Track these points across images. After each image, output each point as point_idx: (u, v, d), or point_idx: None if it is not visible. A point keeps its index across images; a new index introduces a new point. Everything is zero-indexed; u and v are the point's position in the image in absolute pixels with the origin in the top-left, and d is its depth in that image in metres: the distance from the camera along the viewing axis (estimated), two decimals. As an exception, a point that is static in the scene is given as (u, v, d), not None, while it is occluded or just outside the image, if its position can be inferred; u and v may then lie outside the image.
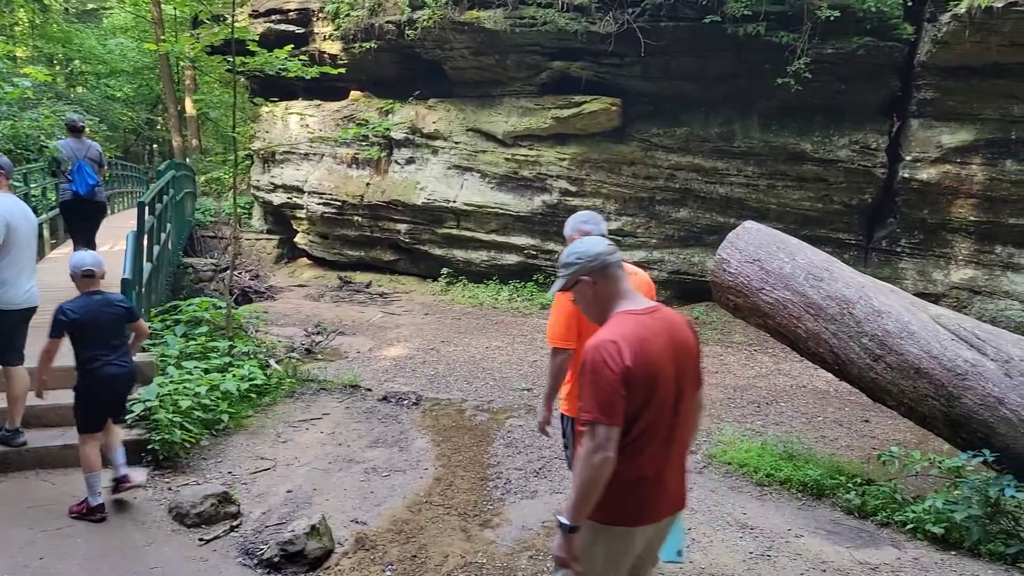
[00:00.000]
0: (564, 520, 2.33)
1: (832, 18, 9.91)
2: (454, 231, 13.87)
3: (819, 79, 10.35)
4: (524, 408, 6.96)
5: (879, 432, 7.00)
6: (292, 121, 15.59)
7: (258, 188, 17.00)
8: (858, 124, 11.11)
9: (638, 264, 12.43)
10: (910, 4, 10.33)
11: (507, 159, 13.07)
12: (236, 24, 8.73)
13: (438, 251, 14.17)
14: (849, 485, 4.88)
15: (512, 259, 13.56)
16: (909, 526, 4.37)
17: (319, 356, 9.07)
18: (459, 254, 13.83)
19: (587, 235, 3.59)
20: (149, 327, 6.80)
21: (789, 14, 10.36)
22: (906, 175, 10.74)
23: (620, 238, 12.62)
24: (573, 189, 12.69)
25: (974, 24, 9.39)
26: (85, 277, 4.44)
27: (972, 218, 10.58)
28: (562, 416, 3.78)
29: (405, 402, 6.90)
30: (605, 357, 2.27)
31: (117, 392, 4.50)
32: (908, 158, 10.73)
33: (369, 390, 7.28)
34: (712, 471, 5.35)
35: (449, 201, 13.56)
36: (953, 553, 4.13)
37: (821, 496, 4.90)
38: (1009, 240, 10.51)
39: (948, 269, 10.92)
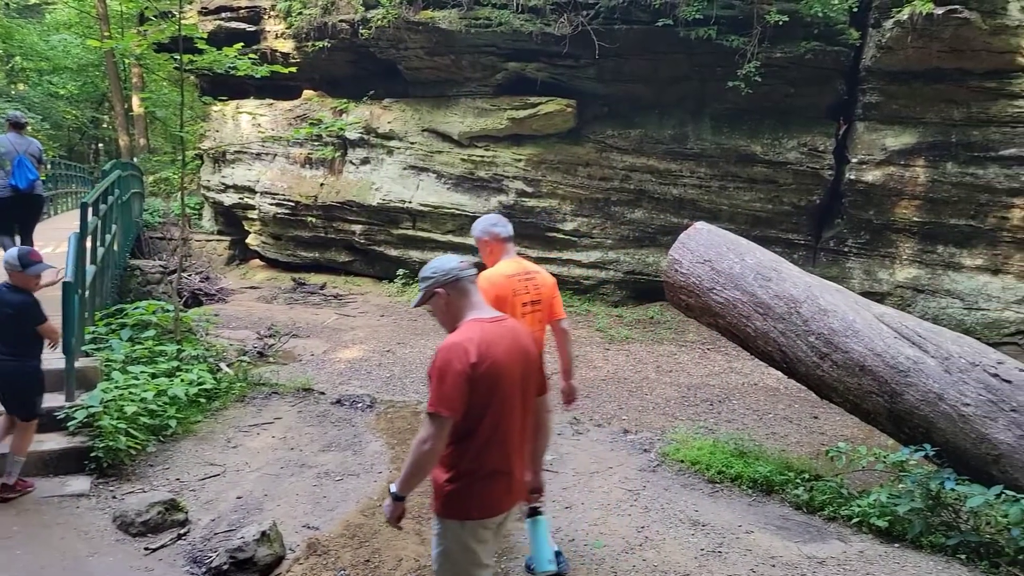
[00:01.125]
0: (394, 489, 2.68)
1: (781, 23, 10.11)
2: (410, 232, 13.79)
3: (769, 82, 10.54)
4: (480, 409, 6.95)
5: (827, 428, 7.17)
6: (243, 120, 15.33)
7: (208, 188, 16.68)
8: (806, 127, 11.36)
9: (594, 265, 12.60)
10: (855, 10, 10.61)
11: (463, 160, 13.05)
12: (184, 21, 8.55)
13: (394, 252, 14.08)
14: (798, 481, 4.98)
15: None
16: (855, 520, 4.47)
17: (272, 359, 8.93)
18: (415, 255, 13.75)
19: (496, 236, 3.97)
20: (93, 331, 6.64)
21: (739, 18, 10.54)
22: (852, 177, 11.01)
23: (576, 239, 12.71)
24: (529, 190, 12.72)
25: (916, 30, 9.67)
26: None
27: (915, 219, 10.90)
28: None
29: (359, 405, 6.82)
30: (452, 357, 2.53)
31: (4, 386, 4.60)
32: (854, 160, 11.00)
33: (323, 393, 7.19)
34: (665, 469, 5.41)
35: (405, 202, 13.48)
36: (896, 545, 4.24)
37: (771, 492, 4.99)
38: (950, 240, 10.86)
39: (893, 268, 11.23)
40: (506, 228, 4.00)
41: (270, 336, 9.93)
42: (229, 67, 7.90)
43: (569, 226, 12.68)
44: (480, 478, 2.61)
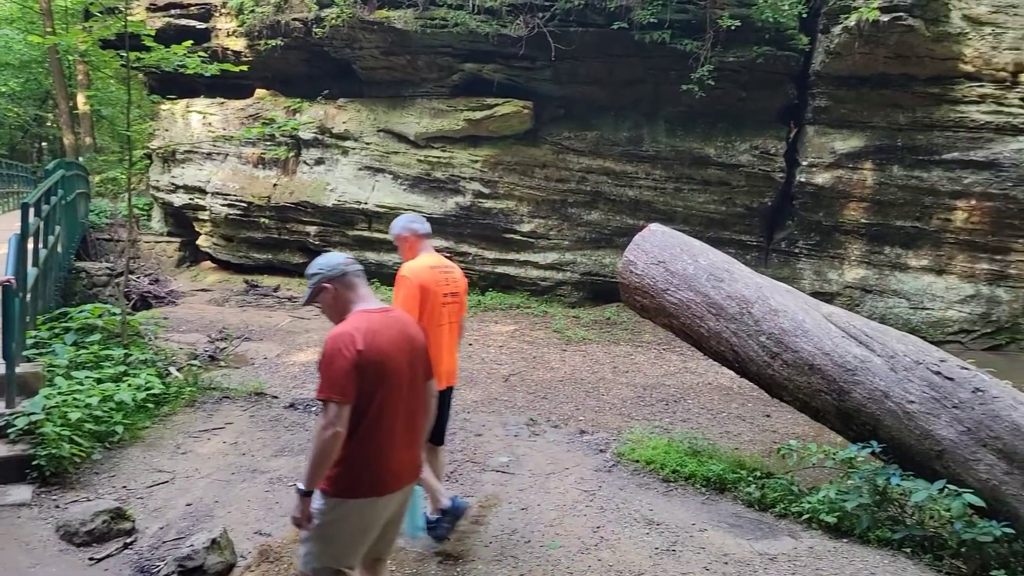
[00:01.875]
0: (300, 485, 2.72)
1: (733, 27, 10.28)
2: (366, 233, 13.67)
3: (722, 86, 10.71)
4: (436, 411, 6.91)
5: (779, 426, 7.29)
6: (194, 119, 15.02)
7: (158, 189, 16.30)
8: (758, 130, 11.57)
9: (551, 266, 12.64)
10: (805, 16, 10.84)
11: (419, 160, 12.98)
12: (132, 17, 8.34)
13: (349, 253, 13.92)
14: (750, 479, 5.05)
15: (425, 261, 13.45)
16: (805, 516, 4.55)
17: (223, 363, 8.75)
18: (371, 256, 13.63)
19: (416, 232, 4.21)
20: (35, 336, 6.42)
21: (693, 22, 10.69)
22: (803, 179, 11.24)
23: (533, 240, 12.73)
24: (486, 191, 12.71)
25: (863, 36, 9.93)
26: None
27: (863, 220, 11.17)
28: None
29: (313, 408, 6.72)
30: (340, 345, 2.67)
31: None
32: (804, 163, 11.23)
33: (275, 397, 7.07)
34: (621, 469, 5.44)
35: (360, 203, 13.35)
36: (845, 541, 4.33)
37: (724, 490, 5.05)
38: (896, 241, 11.15)
39: (842, 269, 11.49)
40: (425, 226, 4.27)
41: (222, 339, 9.74)
42: (178, 65, 7.71)
43: (526, 227, 12.71)
44: (365, 459, 2.75)
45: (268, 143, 13.83)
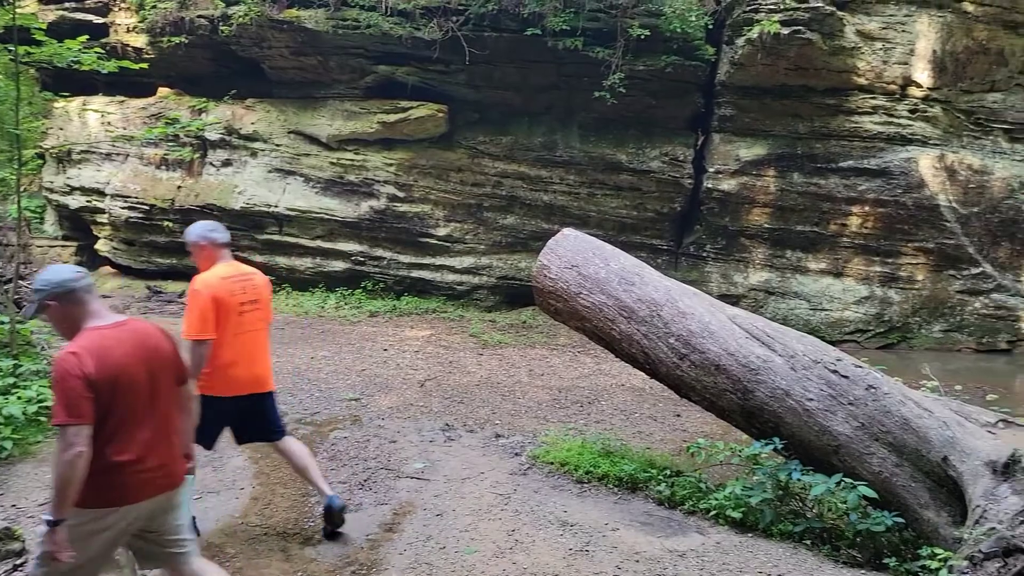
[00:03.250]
0: (48, 517, 2.71)
1: (643, 36, 10.53)
2: (276, 237, 13.32)
3: (632, 94, 10.95)
4: (350, 419, 6.79)
5: (689, 426, 7.49)
6: (91, 118, 14.29)
7: (52, 190, 15.42)
8: (668, 137, 11.89)
9: (467, 270, 12.63)
10: (711, 27, 11.21)
11: (332, 163, 12.75)
12: (21, 10, 7.87)
13: (259, 258, 13.52)
14: (660, 477, 5.18)
15: (339, 266, 13.24)
16: (712, 513, 4.69)
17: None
18: (282, 261, 13.29)
19: (214, 242, 4.29)
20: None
21: (604, 31, 10.89)
22: (710, 185, 11.61)
23: (449, 244, 12.69)
24: (401, 195, 12.60)
25: (765, 48, 10.34)
26: None
27: (766, 225, 11.62)
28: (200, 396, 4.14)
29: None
30: (68, 367, 2.70)
31: None
32: (711, 170, 11.61)
33: (180, 407, 6.79)
34: (535, 472, 5.48)
35: (271, 206, 13.01)
36: (750, 535, 4.49)
37: (636, 489, 5.15)
38: (797, 245, 11.65)
39: (747, 272, 11.92)
40: (223, 235, 4.33)
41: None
42: (72, 61, 7.33)
43: (442, 231, 12.66)
44: (106, 471, 2.78)
45: (172, 144, 13.29)
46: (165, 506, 3.03)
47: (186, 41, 12.62)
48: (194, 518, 4.34)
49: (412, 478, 5.31)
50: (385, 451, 5.86)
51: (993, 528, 3.57)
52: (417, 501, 4.90)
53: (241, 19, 11.82)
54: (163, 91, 14.11)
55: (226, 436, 6.11)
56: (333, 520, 4.37)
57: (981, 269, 11.11)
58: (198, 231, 4.31)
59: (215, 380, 4.19)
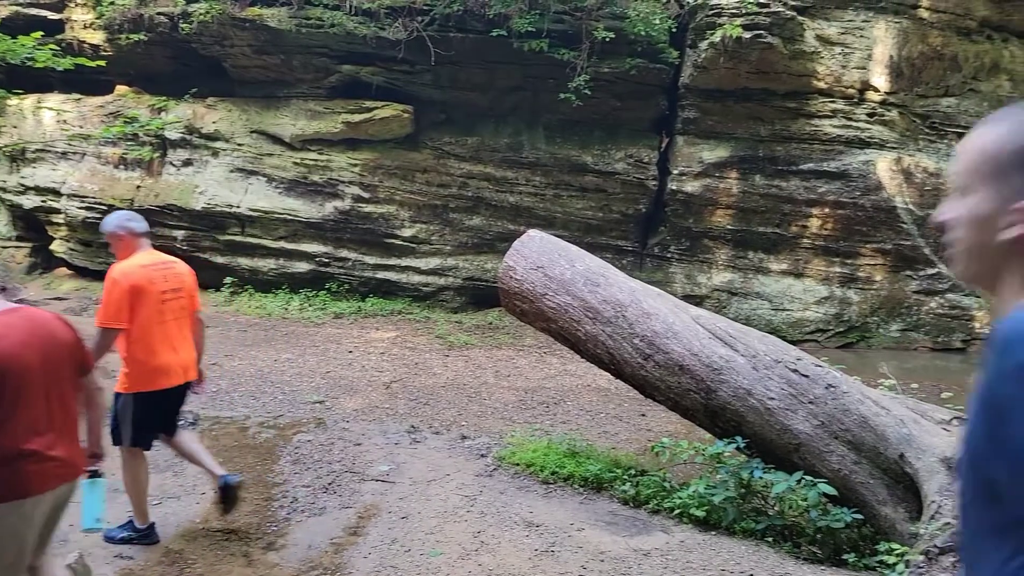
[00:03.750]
0: None
1: (608, 39, 10.59)
2: (239, 238, 13.13)
3: (597, 96, 11.00)
4: (314, 422, 6.72)
5: (654, 425, 7.55)
6: (46, 116, 13.95)
7: (5, 190, 15.02)
8: (633, 139, 11.97)
9: (433, 271, 12.58)
10: (675, 31, 11.32)
11: (296, 163, 12.61)
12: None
13: (221, 259, 13.34)
14: (625, 477, 5.21)
15: (303, 267, 13.09)
16: (676, 511, 4.74)
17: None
18: (245, 262, 13.11)
19: (132, 231, 4.29)
20: None
21: (569, 33, 10.93)
22: (674, 187, 11.72)
23: (415, 245, 12.64)
24: (366, 195, 12.51)
25: (727, 52, 10.47)
26: None
27: (729, 227, 11.76)
28: (116, 394, 4.21)
29: (181, 422, 6.38)
30: None
31: None
32: (675, 172, 11.72)
33: (139, 412, 6.66)
34: (501, 473, 5.47)
35: (232, 206, 12.83)
36: (713, 533, 4.54)
37: (601, 489, 5.18)
38: (759, 247, 11.82)
39: (710, 273, 12.05)
40: (141, 224, 4.33)
41: (79, 351, 9.08)
42: (26, 58, 7.18)
43: (407, 232, 12.60)
44: (4, 462, 2.75)
45: (130, 143, 13.03)
46: (63, 499, 3.01)
47: (145, 39, 12.39)
48: (153, 524, 4.28)
49: (377, 481, 5.28)
50: (350, 454, 5.82)
51: (948, 523, 3.66)
52: (382, 504, 4.87)
53: (202, 17, 11.64)
54: (121, 89, 13.83)
55: (187, 437, 6.02)
56: (229, 498, 4.37)
57: (937, 270, 11.37)
58: (116, 221, 4.29)
59: (142, 375, 4.19)
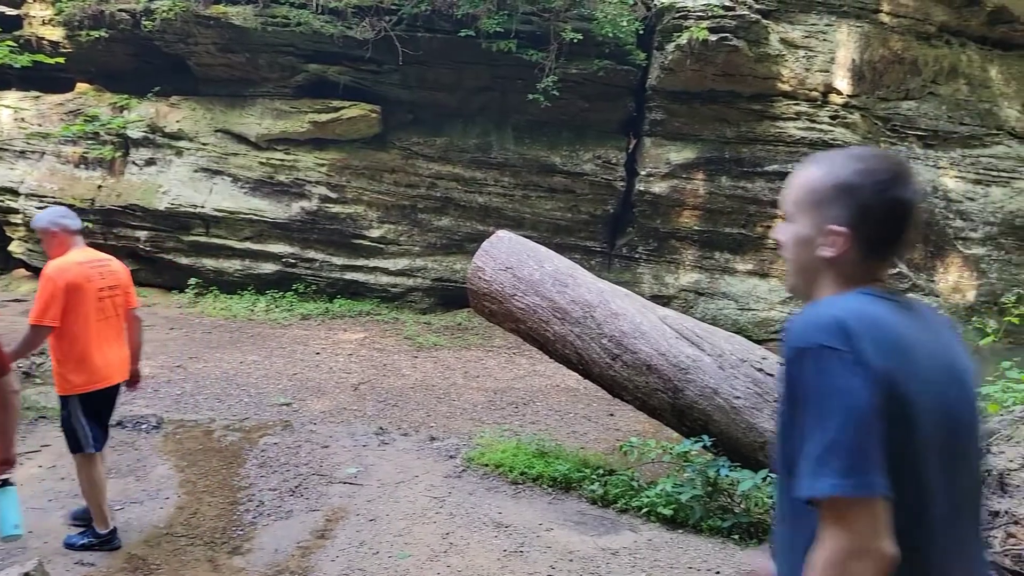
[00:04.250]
0: None
1: (575, 40, 10.64)
2: (203, 238, 12.94)
3: (565, 97, 11.04)
4: (281, 425, 6.65)
5: (622, 424, 7.60)
6: (4, 115, 13.60)
7: (-39, 189, 14.66)
8: (601, 140, 12.04)
9: (402, 272, 12.52)
10: (642, 32, 11.40)
11: (261, 163, 12.47)
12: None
13: (185, 260, 13.14)
14: (594, 476, 5.23)
15: (269, 268, 12.95)
16: (644, 510, 4.77)
17: (40, 380, 7.99)
18: (209, 263, 12.93)
19: (67, 228, 4.26)
20: None
21: (538, 33, 10.96)
22: (641, 188, 11.80)
23: (383, 246, 12.57)
24: (333, 196, 12.41)
25: (694, 54, 10.57)
26: None
27: (696, 227, 11.88)
28: (61, 399, 4.25)
29: (144, 426, 6.29)
30: None
31: None
32: (643, 173, 11.80)
33: (101, 416, 6.54)
34: (470, 474, 5.47)
35: (197, 206, 12.64)
36: (680, 531, 4.58)
37: (569, 489, 5.19)
38: (726, 247, 11.95)
39: (678, 273, 12.16)
40: (75, 221, 4.28)
41: (38, 354, 8.89)
42: (-18, 53, 7.01)
43: (375, 233, 12.53)
44: None
45: (91, 142, 12.78)
46: None
47: (106, 35, 12.16)
48: (115, 529, 4.22)
49: (345, 483, 5.24)
50: (317, 456, 5.76)
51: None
52: (350, 506, 4.84)
53: (165, 14, 11.45)
54: (82, 87, 13.55)
55: (150, 443, 5.93)
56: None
57: (898, 270, 11.59)
58: (49, 217, 4.22)
59: (82, 375, 4.13)
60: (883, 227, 1.43)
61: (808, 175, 1.50)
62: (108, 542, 4.19)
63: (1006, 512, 2.29)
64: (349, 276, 12.76)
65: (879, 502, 1.23)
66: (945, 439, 1.33)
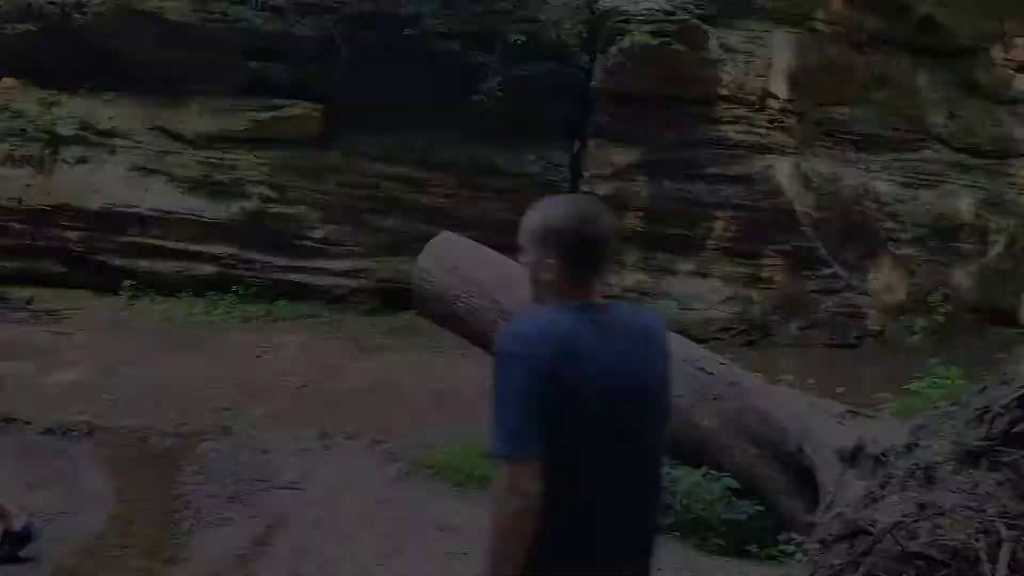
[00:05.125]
0: None
1: (520, 42, 10.68)
2: (139, 239, 12.56)
3: (510, 98, 11.06)
4: (220, 430, 6.51)
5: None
6: (-77, 109, 13.02)
7: None
8: (545, 142, 12.10)
9: (346, 273, 12.37)
10: (586, 35, 11.51)
11: (199, 162, 12.18)
12: None
13: (119, 261, 12.73)
14: (539, 477, 5.25)
15: (208, 269, 12.64)
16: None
17: None
18: (145, 264, 12.55)
19: None
20: None
21: (483, 35, 10.97)
22: (586, 190, 11.89)
23: (326, 247, 12.40)
24: (275, 196, 12.19)
25: (636, 58, 10.72)
26: None
27: (640, 229, 12.03)
28: None
29: (75, 433, 6.09)
30: None
31: None
32: (587, 174, 11.91)
33: (28, 423, 6.29)
34: (415, 477, 5.45)
35: (132, 206, 12.27)
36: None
37: (515, 490, 5.20)
38: (668, 248, 12.13)
39: (623, 274, 12.28)
40: None
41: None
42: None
43: (319, 234, 12.35)
44: None
45: (17, 139, 12.30)
46: None
47: (34, 29, 11.72)
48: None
49: (287, 489, 5.16)
50: (258, 462, 5.67)
51: (841, 512, 3.84)
52: (292, 513, 4.77)
53: (97, 7, 11.10)
54: (7, 82, 13.00)
55: (82, 451, 5.75)
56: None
57: (832, 270, 11.95)
58: None
59: None
60: (582, 257, 1.91)
61: (532, 219, 2.04)
62: None
63: (932, 504, 2.38)
64: (292, 277, 12.55)
65: (530, 459, 1.66)
66: (614, 417, 1.78)
